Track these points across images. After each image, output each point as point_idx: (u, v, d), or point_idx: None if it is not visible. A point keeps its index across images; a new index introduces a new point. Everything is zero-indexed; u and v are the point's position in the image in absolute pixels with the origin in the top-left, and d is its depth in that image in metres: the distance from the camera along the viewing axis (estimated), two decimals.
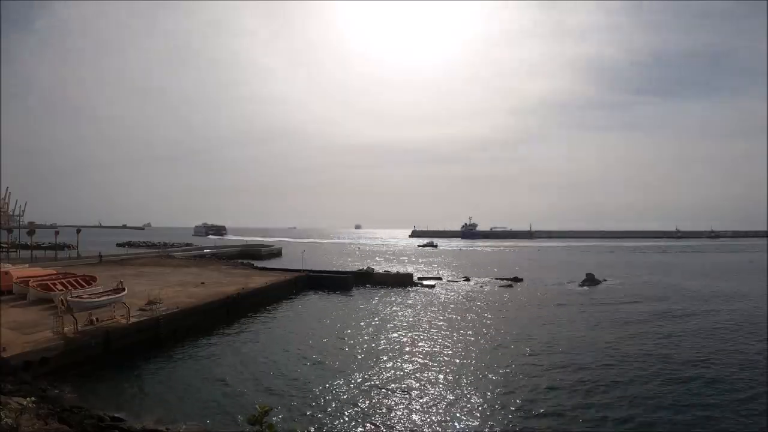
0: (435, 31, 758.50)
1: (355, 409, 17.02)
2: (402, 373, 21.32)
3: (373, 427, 15.65)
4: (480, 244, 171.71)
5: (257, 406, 3.54)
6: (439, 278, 58.44)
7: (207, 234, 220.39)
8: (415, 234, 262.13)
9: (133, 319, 24.40)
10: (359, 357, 23.83)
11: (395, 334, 28.98)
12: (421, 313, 36.22)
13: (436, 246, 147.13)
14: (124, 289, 29.98)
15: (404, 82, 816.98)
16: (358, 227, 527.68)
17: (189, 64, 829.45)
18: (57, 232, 68.44)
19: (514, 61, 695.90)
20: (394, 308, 38.00)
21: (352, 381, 20.08)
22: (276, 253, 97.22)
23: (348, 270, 58.91)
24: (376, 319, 33.73)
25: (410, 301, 41.65)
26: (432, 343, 27.04)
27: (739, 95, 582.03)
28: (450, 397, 18.39)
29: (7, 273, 32.80)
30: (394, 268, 66.43)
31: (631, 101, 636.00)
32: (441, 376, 20.85)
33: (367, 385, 19.54)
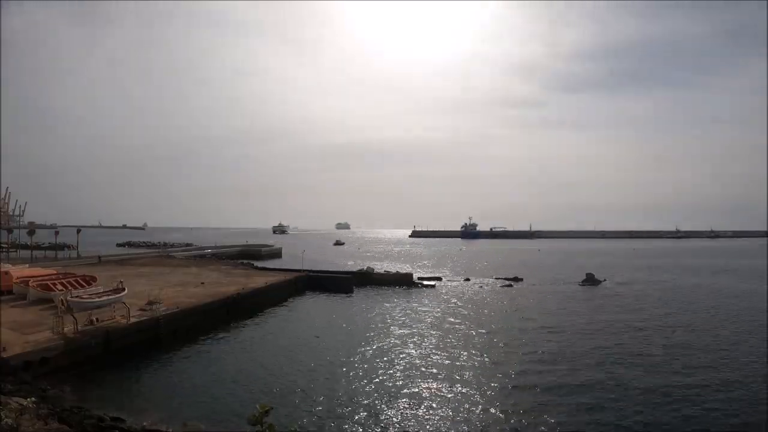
0: (435, 31, 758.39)
1: (356, 408, 17.02)
2: (402, 373, 21.31)
3: (373, 427, 15.65)
4: (480, 245, 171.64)
5: (258, 406, 3.51)
6: (439, 278, 58.40)
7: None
8: (415, 234, 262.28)
9: (133, 319, 24.39)
10: (359, 357, 23.82)
11: (395, 335, 28.96)
12: (421, 313, 36.20)
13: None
14: (124, 289, 29.96)
15: (404, 82, 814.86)
16: (341, 227, 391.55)
17: (188, 64, 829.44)
18: (57, 232, 68.40)
19: (514, 58, 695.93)
20: (394, 308, 37.99)
21: (353, 381, 20.08)
22: (276, 253, 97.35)
23: (348, 270, 58.92)
24: (377, 319, 33.72)
25: (410, 302, 41.63)
26: (432, 342, 27.04)
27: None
28: (450, 397, 18.39)
29: (7, 273, 32.76)
30: (394, 268, 66.48)
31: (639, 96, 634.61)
32: (441, 376, 20.84)
33: (367, 385, 19.54)
